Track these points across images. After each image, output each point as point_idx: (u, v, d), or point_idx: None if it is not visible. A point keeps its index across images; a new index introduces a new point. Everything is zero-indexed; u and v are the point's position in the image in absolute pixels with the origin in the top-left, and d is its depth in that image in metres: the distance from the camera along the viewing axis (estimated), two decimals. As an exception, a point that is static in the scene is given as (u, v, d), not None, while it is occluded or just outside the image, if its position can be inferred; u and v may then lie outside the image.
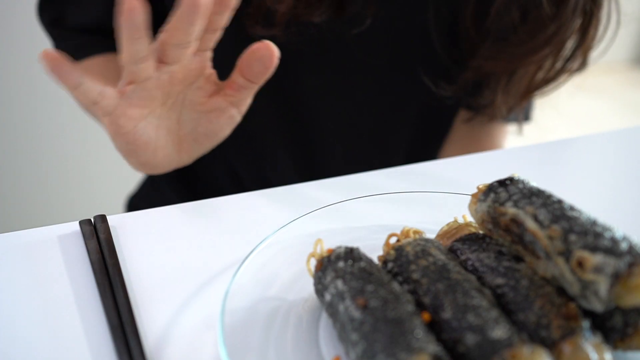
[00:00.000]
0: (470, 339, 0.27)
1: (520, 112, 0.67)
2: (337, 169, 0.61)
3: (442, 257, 0.32)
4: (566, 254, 0.29)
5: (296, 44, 0.55)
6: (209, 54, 0.44)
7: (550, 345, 0.28)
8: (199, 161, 0.58)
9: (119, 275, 0.37)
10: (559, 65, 0.59)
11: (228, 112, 0.47)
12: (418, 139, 0.70)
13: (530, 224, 0.31)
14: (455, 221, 0.37)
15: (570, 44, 0.57)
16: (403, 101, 0.67)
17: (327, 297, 0.32)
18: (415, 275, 0.31)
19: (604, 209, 0.48)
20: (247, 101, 0.47)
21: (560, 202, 0.31)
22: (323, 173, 0.55)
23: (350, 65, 0.63)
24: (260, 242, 0.37)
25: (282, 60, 0.45)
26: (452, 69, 0.61)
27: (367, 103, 0.66)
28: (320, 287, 0.33)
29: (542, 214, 0.31)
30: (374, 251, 0.35)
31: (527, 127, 0.71)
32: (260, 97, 0.49)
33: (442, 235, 0.37)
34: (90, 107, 0.42)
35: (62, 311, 0.35)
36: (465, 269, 0.33)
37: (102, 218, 0.42)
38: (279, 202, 0.47)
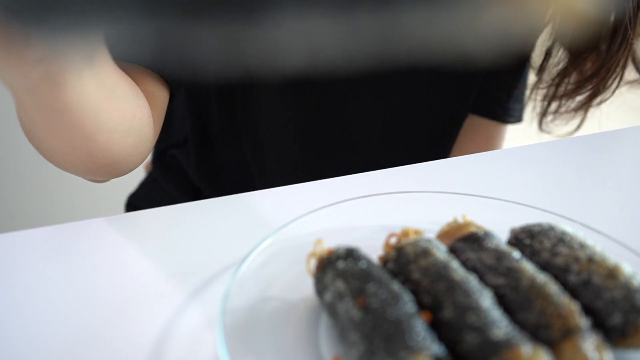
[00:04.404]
0: (471, 339, 0.27)
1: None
2: (342, 167, 0.61)
3: (442, 257, 0.32)
4: None
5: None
6: None
7: (551, 345, 0.27)
8: (201, 157, 0.58)
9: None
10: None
11: None
12: (429, 142, 0.70)
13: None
14: (456, 221, 0.37)
15: None
16: (421, 102, 0.67)
17: (327, 297, 0.32)
18: (415, 275, 0.31)
19: (604, 210, 0.48)
20: None
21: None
22: (327, 170, 0.54)
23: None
24: (261, 242, 0.37)
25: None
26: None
27: (388, 102, 0.66)
28: (320, 287, 0.33)
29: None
30: (374, 251, 0.35)
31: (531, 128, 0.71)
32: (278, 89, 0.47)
33: (442, 235, 0.37)
34: None
35: (62, 311, 0.35)
36: (466, 269, 0.33)
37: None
38: (279, 202, 0.47)
